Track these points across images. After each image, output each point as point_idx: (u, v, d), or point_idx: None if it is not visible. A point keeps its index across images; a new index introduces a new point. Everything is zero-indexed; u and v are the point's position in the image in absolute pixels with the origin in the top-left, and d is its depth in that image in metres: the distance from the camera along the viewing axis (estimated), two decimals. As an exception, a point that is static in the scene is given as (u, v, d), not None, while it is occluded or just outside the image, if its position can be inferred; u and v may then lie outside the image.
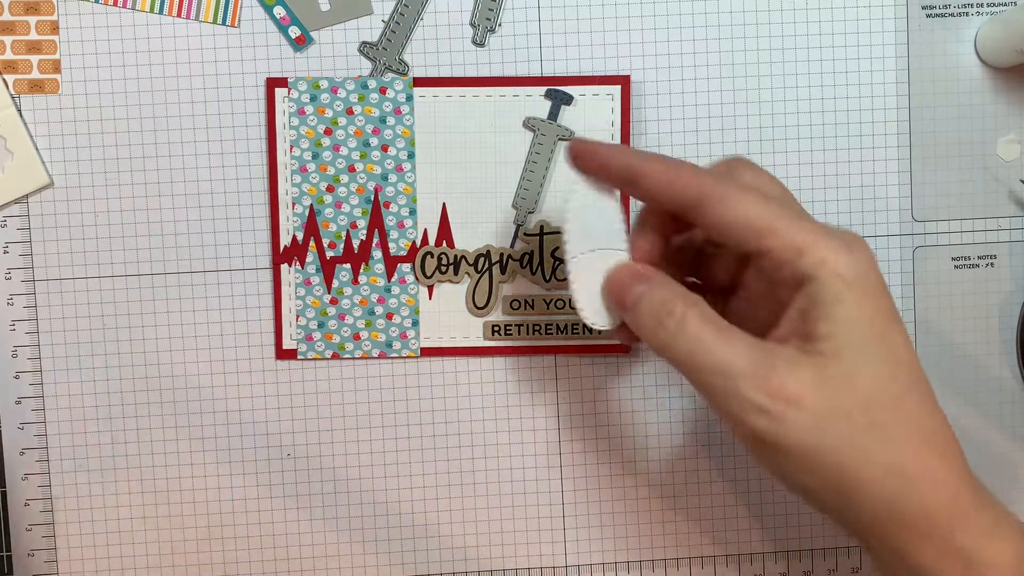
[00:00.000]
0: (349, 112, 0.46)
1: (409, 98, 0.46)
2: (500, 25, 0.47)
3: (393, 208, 0.47)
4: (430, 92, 0.46)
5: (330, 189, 0.46)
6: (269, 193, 0.47)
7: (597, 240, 0.39)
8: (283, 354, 0.47)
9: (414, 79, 0.46)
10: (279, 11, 0.46)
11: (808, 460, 0.35)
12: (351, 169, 0.46)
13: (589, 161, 0.38)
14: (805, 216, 0.36)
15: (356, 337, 0.47)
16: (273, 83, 0.46)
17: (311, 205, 0.46)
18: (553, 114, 0.46)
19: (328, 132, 0.46)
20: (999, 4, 0.47)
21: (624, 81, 0.46)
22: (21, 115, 0.46)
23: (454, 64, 0.46)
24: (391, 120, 0.46)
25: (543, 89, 0.46)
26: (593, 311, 0.39)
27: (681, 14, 0.47)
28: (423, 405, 0.48)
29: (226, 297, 0.47)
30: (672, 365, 0.36)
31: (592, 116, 0.46)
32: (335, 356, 0.47)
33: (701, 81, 0.47)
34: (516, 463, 0.48)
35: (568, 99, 0.46)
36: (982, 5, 0.47)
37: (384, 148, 0.46)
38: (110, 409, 0.47)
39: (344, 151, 0.46)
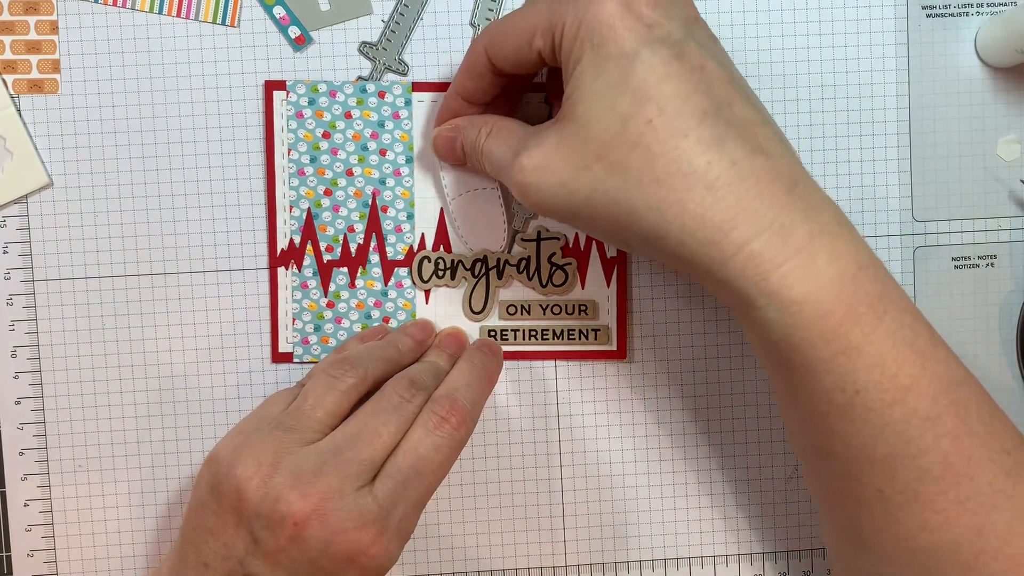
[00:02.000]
0: (347, 116, 0.46)
1: (408, 102, 0.46)
2: (500, 25, 0.46)
3: (391, 212, 0.47)
4: (428, 96, 0.46)
5: (328, 193, 0.46)
6: (267, 195, 0.47)
7: (470, 182, 0.46)
8: (279, 357, 0.47)
9: (413, 84, 0.46)
10: (279, 11, 0.46)
11: (576, 217, 0.38)
12: (349, 173, 0.46)
13: (454, 154, 0.44)
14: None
15: None
16: (271, 86, 0.46)
17: (308, 208, 0.46)
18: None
19: (326, 136, 0.46)
20: (999, 4, 0.47)
21: None
22: (20, 115, 0.46)
23: (454, 64, 0.46)
24: (389, 124, 0.46)
25: (542, 95, 0.46)
26: (475, 240, 0.46)
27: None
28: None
29: (225, 298, 0.47)
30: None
31: None
32: None
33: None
34: (516, 463, 0.48)
35: None
36: (982, 5, 0.47)
37: (382, 152, 0.46)
38: (110, 409, 0.47)
39: (342, 155, 0.46)
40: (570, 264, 0.47)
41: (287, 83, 0.46)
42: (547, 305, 0.47)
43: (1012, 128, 0.48)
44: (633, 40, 0.35)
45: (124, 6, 0.46)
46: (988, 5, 0.47)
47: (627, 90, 0.35)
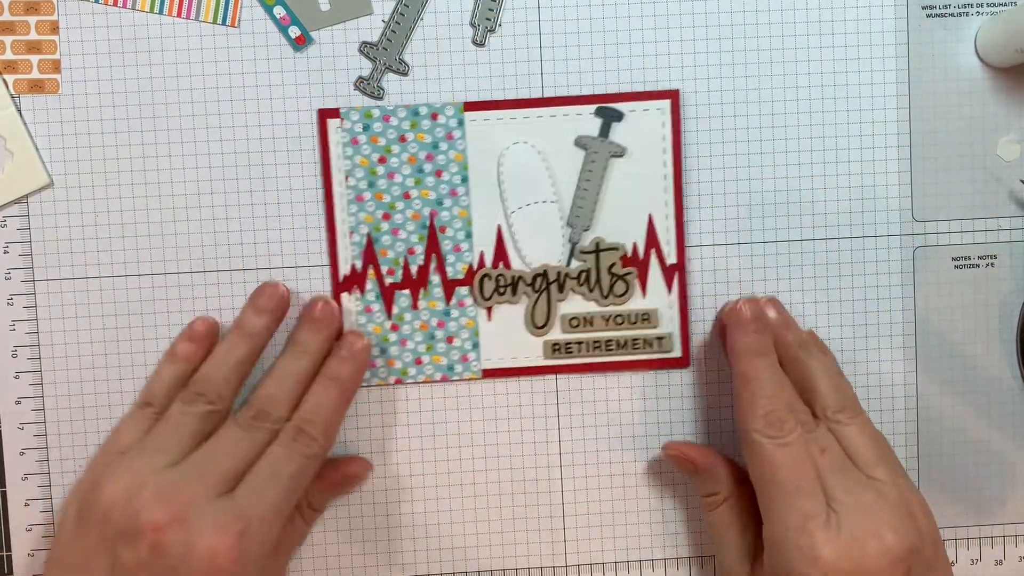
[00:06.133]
0: (402, 139, 0.46)
1: (460, 123, 0.46)
2: (500, 25, 0.47)
3: (449, 232, 0.47)
4: (480, 116, 0.46)
5: (386, 217, 0.46)
6: (326, 220, 0.47)
7: (529, 194, 0.46)
8: None
9: (464, 104, 0.46)
10: (279, 11, 0.46)
11: None
12: (406, 196, 0.47)
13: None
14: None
15: (418, 362, 0.47)
16: (325, 114, 0.46)
17: (368, 233, 0.47)
18: (604, 131, 0.46)
19: (382, 160, 0.46)
20: (999, 4, 0.47)
21: (673, 95, 0.46)
22: (21, 115, 0.46)
23: (454, 64, 0.46)
24: (443, 145, 0.46)
25: (593, 107, 0.46)
26: (534, 254, 0.46)
27: (682, 14, 0.47)
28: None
29: (226, 297, 0.47)
30: None
31: (643, 132, 0.47)
32: (398, 381, 0.47)
33: (703, 82, 0.47)
34: (516, 463, 0.48)
35: (618, 116, 0.46)
36: (982, 5, 0.47)
37: (438, 173, 0.46)
38: (110, 409, 0.47)
39: (398, 178, 0.46)
40: (630, 273, 0.47)
41: (340, 110, 0.46)
42: (609, 316, 0.47)
43: (1012, 128, 0.48)
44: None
45: (124, 6, 0.46)
46: (988, 5, 0.47)
47: None
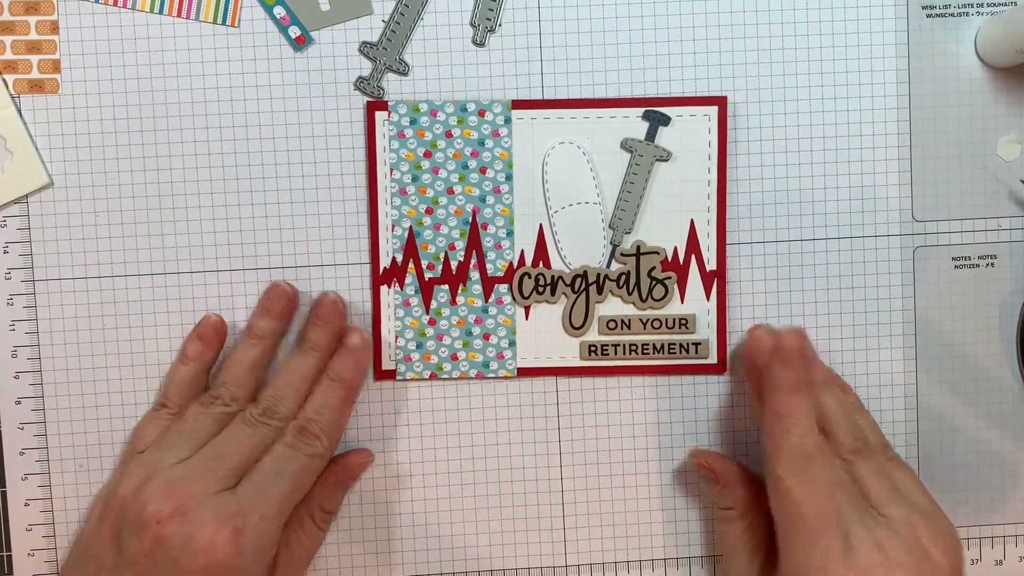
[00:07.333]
0: (448, 135, 0.46)
1: (507, 120, 0.46)
2: (500, 25, 0.47)
3: (491, 229, 0.47)
4: (528, 114, 0.46)
5: (429, 211, 0.47)
6: (369, 215, 0.47)
7: (573, 195, 0.46)
8: (382, 375, 0.47)
9: (512, 102, 0.46)
10: (279, 11, 0.46)
11: None
12: (450, 191, 0.47)
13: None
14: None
15: (454, 358, 0.47)
16: (373, 106, 0.46)
17: (410, 227, 0.47)
18: (651, 135, 0.47)
19: (427, 155, 0.46)
20: (999, 4, 0.47)
21: (721, 102, 0.46)
22: (21, 115, 0.46)
23: (454, 64, 0.46)
24: (489, 142, 0.46)
25: (641, 110, 0.46)
26: (575, 256, 0.46)
27: (682, 14, 0.47)
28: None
29: (226, 297, 0.47)
30: None
31: (689, 137, 0.47)
32: (433, 376, 0.47)
33: (703, 83, 0.47)
34: (516, 463, 0.48)
35: (666, 120, 0.46)
36: (982, 5, 0.47)
37: (482, 170, 0.47)
38: (110, 409, 0.47)
39: (443, 173, 0.46)
40: (669, 278, 0.47)
41: (389, 103, 0.46)
42: (647, 320, 0.47)
43: (1012, 128, 0.48)
44: None
45: (124, 6, 0.46)
46: (988, 5, 0.47)
47: None
